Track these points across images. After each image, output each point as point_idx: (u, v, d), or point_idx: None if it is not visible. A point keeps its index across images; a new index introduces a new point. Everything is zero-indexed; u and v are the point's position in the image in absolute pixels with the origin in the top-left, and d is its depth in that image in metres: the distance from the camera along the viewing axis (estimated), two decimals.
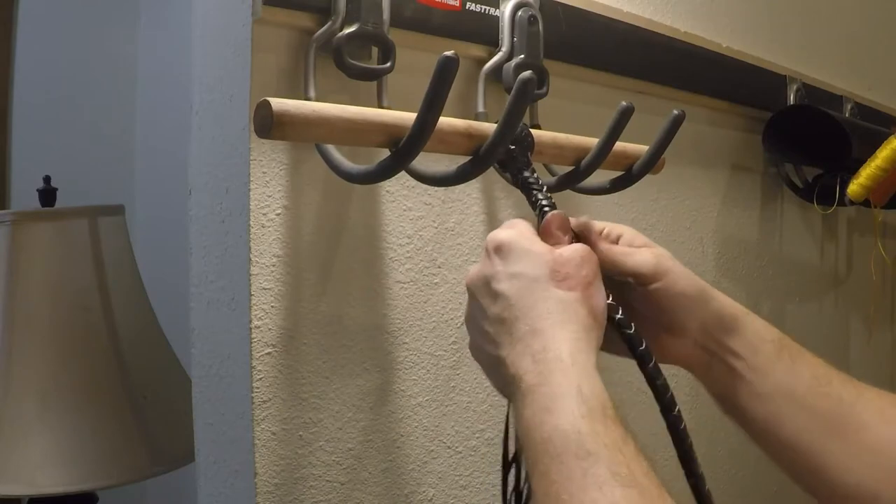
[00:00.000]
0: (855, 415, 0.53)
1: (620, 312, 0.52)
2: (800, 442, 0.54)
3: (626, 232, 0.58)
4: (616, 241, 0.57)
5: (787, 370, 0.55)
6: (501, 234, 0.52)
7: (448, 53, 0.48)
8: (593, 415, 0.43)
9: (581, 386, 0.44)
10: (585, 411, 0.43)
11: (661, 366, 0.54)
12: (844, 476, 0.52)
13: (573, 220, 0.56)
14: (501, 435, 0.54)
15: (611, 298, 0.52)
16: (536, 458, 0.43)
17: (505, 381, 0.49)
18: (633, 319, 0.54)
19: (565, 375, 0.45)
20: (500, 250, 0.51)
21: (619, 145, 0.68)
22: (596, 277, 0.50)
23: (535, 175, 0.59)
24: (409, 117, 0.54)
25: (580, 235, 0.55)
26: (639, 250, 0.56)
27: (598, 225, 0.57)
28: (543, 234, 0.54)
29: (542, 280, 0.49)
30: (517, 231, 0.52)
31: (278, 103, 0.50)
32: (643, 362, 0.52)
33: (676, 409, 0.51)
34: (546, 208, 0.56)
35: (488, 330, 0.50)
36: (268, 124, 0.50)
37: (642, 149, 0.72)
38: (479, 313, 0.51)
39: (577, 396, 0.44)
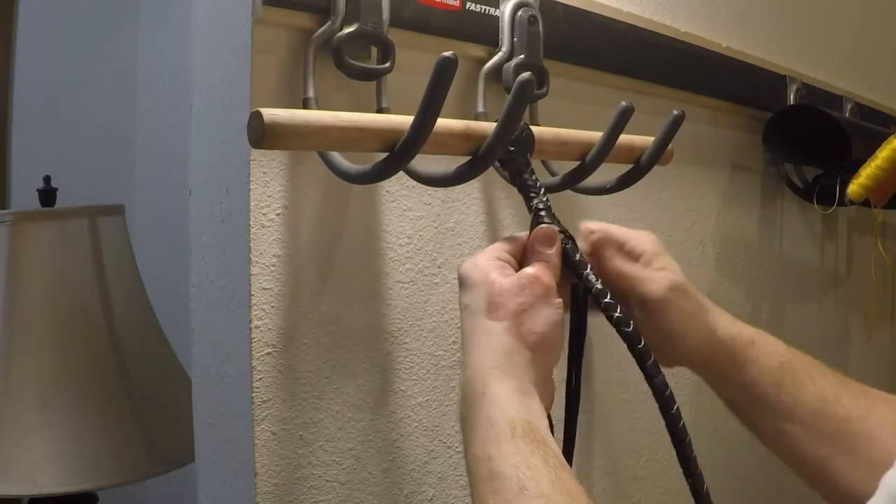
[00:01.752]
0: (864, 430, 0.54)
1: (619, 311, 0.53)
2: (807, 457, 0.55)
3: (648, 249, 0.59)
4: (637, 258, 0.59)
5: (787, 399, 0.56)
6: (463, 265, 0.54)
7: (446, 54, 0.48)
8: (501, 438, 0.46)
9: (490, 415, 0.47)
10: (493, 436, 0.46)
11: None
12: (854, 487, 0.52)
13: (592, 226, 0.59)
14: None
15: (609, 297, 0.53)
16: (470, 483, 0.47)
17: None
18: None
19: (478, 408, 0.48)
20: (460, 282, 0.54)
21: (625, 137, 0.68)
22: (538, 299, 0.51)
23: (534, 177, 0.59)
24: (404, 121, 0.54)
25: (596, 245, 0.56)
26: (653, 277, 0.58)
27: (619, 236, 0.59)
28: (528, 249, 0.55)
29: (479, 312, 0.51)
30: (473, 261, 0.54)
31: (270, 114, 0.49)
32: (642, 360, 0.52)
33: (675, 408, 0.52)
34: (542, 213, 0.56)
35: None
36: (259, 135, 0.49)
37: (648, 140, 0.72)
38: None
39: (486, 425, 0.47)
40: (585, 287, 0.54)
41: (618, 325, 0.52)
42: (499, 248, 0.55)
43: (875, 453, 0.52)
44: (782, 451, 0.57)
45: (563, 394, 0.62)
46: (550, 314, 0.51)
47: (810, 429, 0.55)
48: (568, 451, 0.62)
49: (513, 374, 0.49)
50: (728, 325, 0.59)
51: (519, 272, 0.52)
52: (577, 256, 0.55)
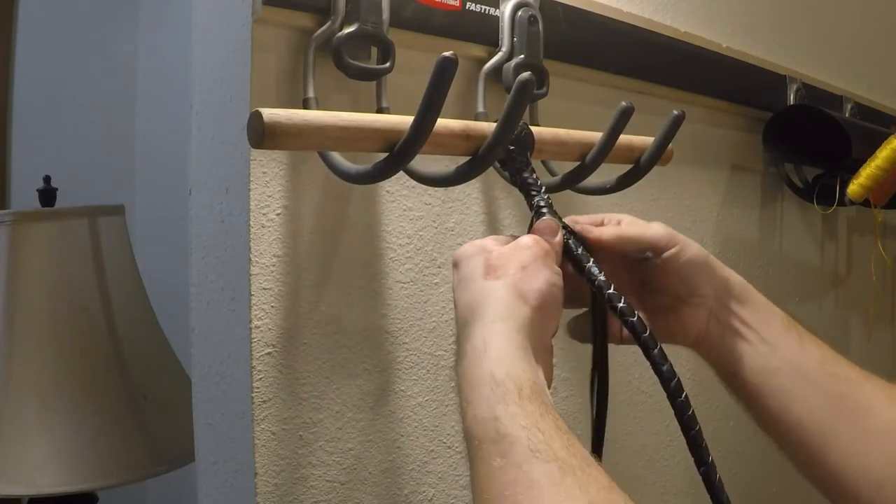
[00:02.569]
0: (864, 397, 0.53)
1: (623, 301, 0.52)
2: (808, 422, 0.54)
3: (625, 217, 0.59)
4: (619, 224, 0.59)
5: (796, 345, 0.56)
6: (457, 251, 0.53)
7: (446, 54, 0.48)
8: (508, 397, 0.43)
9: (493, 372, 0.44)
10: (499, 396, 0.43)
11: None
12: (849, 461, 0.52)
13: (572, 220, 0.58)
14: None
15: (612, 288, 0.53)
16: (468, 450, 0.44)
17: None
18: (652, 298, 0.57)
19: (479, 364, 0.45)
20: (454, 264, 0.53)
21: (625, 138, 0.68)
22: (534, 260, 0.50)
23: (535, 176, 0.59)
24: (404, 122, 0.54)
25: (581, 234, 0.56)
26: (651, 224, 0.58)
27: (598, 217, 0.59)
28: None
29: (477, 277, 0.50)
30: (470, 243, 0.53)
31: (269, 114, 0.49)
32: (647, 349, 0.51)
33: (683, 395, 0.51)
34: (543, 210, 0.56)
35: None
36: (259, 135, 0.50)
37: (648, 140, 0.72)
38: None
39: (489, 383, 0.44)
40: (589, 280, 0.54)
41: (622, 315, 0.52)
42: (494, 236, 0.55)
43: (872, 421, 0.52)
44: (784, 417, 0.55)
45: (589, 398, 0.61)
46: (550, 275, 0.50)
47: (817, 386, 0.54)
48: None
49: (516, 329, 0.47)
50: (729, 269, 0.60)
51: (516, 239, 0.52)
52: (580, 250, 0.55)
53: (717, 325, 0.58)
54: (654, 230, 0.57)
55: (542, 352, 0.49)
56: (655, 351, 0.51)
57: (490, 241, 0.53)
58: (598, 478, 0.40)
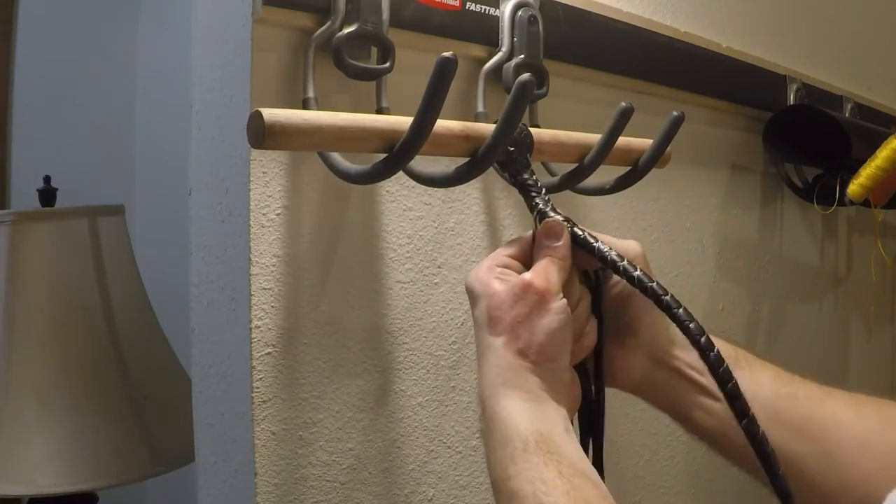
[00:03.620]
0: (827, 413, 0.52)
1: (639, 270, 0.52)
2: (777, 451, 0.50)
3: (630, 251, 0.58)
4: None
5: (746, 378, 0.53)
6: (468, 277, 0.54)
7: (446, 54, 0.48)
8: (516, 455, 0.47)
9: (504, 434, 0.48)
10: (509, 455, 0.47)
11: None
12: (826, 478, 0.51)
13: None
14: None
15: (625, 261, 0.53)
16: (495, 499, 0.48)
17: None
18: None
19: (492, 427, 0.49)
20: (468, 295, 0.54)
21: (624, 140, 0.68)
22: (532, 310, 0.50)
23: (534, 177, 0.59)
24: (403, 122, 0.54)
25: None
26: (626, 240, 0.57)
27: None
28: (536, 246, 0.55)
29: (483, 326, 0.52)
30: (475, 273, 0.54)
31: (269, 114, 0.50)
32: (671, 309, 0.50)
33: (715, 349, 0.49)
34: (542, 211, 0.56)
35: None
36: (260, 135, 0.50)
37: (646, 143, 0.72)
38: None
39: (501, 444, 0.48)
40: (600, 258, 0.53)
41: (640, 282, 0.51)
42: (500, 254, 0.54)
43: (840, 435, 0.51)
44: (747, 451, 0.51)
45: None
46: (547, 323, 0.50)
47: (774, 412, 0.52)
48: (597, 463, 0.58)
49: (519, 385, 0.50)
50: None
51: (513, 281, 0.52)
52: (584, 234, 0.54)
53: (658, 371, 0.57)
54: (629, 244, 0.56)
55: (557, 386, 0.51)
56: (681, 310, 0.50)
57: (494, 279, 0.52)
58: None
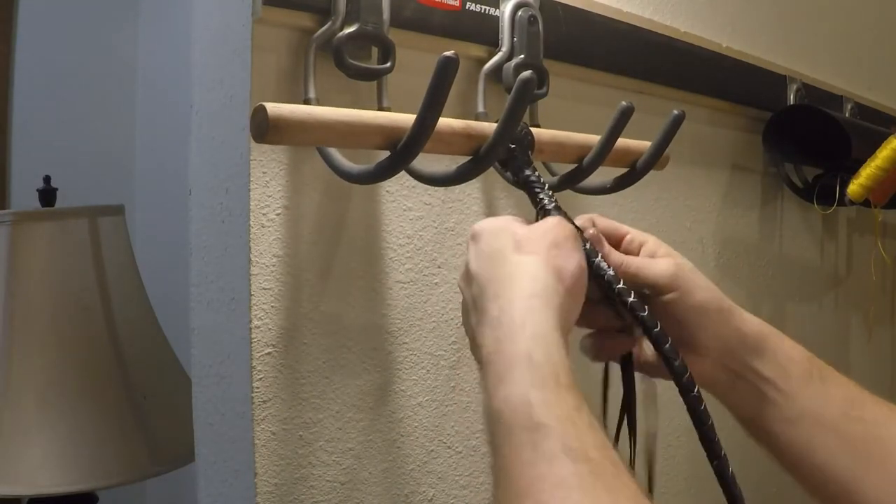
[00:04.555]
0: (890, 438, 0.50)
1: (633, 296, 0.51)
2: (832, 469, 0.51)
3: (650, 241, 0.56)
4: (637, 251, 0.55)
5: (817, 394, 0.52)
6: (478, 223, 0.52)
7: (448, 53, 0.48)
8: (545, 384, 0.40)
9: (531, 352, 0.42)
10: (537, 380, 0.40)
11: None
12: (885, 501, 0.49)
13: (591, 220, 0.55)
14: None
15: (622, 283, 0.51)
16: (491, 430, 0.41)
17: (476, 355, 0.47)
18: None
19: (516, 342, 0.43)
20: (474, 236, 0.51)
21: (622, 142, 0.68)
22: (565, 242, 0.49)
23: (537, 174, 0.59)
24: (406, 119, 0.54)
25: (594, 239, 0.54)
26: (657, 261, 0.54)
27: (621, 230, 0.56)
28: None
29: (506, 250, 0.48)
30: (493, 218, 0.52)
31: (273, 108, 0.50)
32: (658, 343, 0.51)
33: (696, 390, 0.50)
34: (548, 207, 0.56)
35: (471, 316, 0.49)
36: (264, 129, 0.50)
37: (645, 145, 0.72)
38: (464, 305, 0.52)
39: (527, 364, 0.41)
40: (597, 275, 0.52)
41: (633, 310, 0.51)
42: (511, 216, 0.53)
43: None
44: (807, 463, 0.52)
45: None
46: (578, 258, 0.49)
47: (839, 434, 0.51)
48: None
49: (551, 308, 0.44)
50: (748, 316, 0.55)
51: (540, 221, 0.51)
52: (587, 245, 0.53)
53: (725, 375, 0.54)
54: (657, 269, 0.53)
55: (567, 339, 0.46)
56: (667, 346, 0.50)
57: (511, 220, 0.51)
58: (629, 485, 0.38)
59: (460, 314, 0.77)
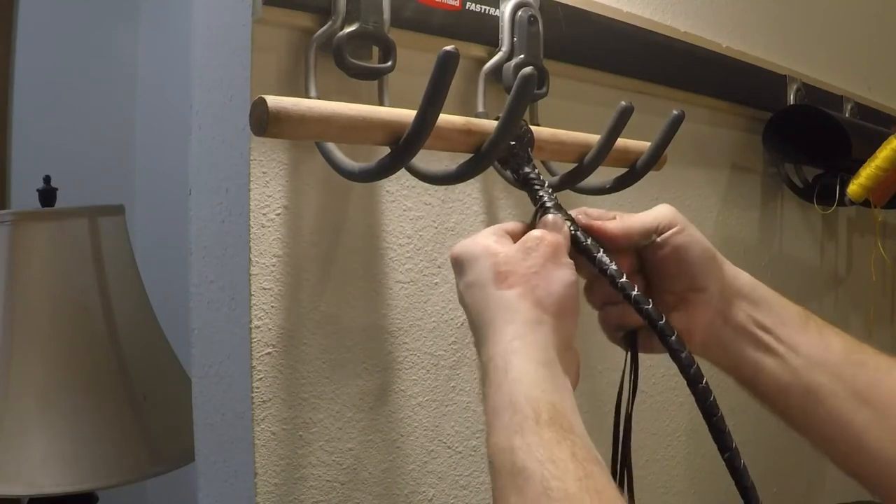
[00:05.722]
0: (892, 384, 0.51)
1: (637, 290, 0.51)
2: (839, 417, 0.50)
3: (617, 213, 0.57)
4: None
5: (817, 341, 0.52)
6: (455, 247, 0.51)
7: (448, 48, 0.48)
8: (525, 426, 0.42)
9: (513, 397, 0.43)
10: (516, 424, 0.42)
11: None
12: (888, 450, 0.49)
13: (583, 212, 0.55)
14: None
15: (625, 277, 0.51)
16: (490, 473, 0.43)
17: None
18: (656, 291, 0.54)
19: (500, 388, 0.44)
20: (455, 264, 0.51)
21: (622, 141, 0.68)
22: (545, 262, 0.49)
23: (536, 171, 0.59)
24: (407, 114, 0.54)
25: (587, 227, 0.54)
26: (654, 208, 0.55)
27: (605, 213, 0.56)
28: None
29: (488, 284, 0.48)
30: (469, 240, 0.51)
31: (274, 100, 0.50)
32: (664, 336, 0.50)
33: (704, 381, 0.49)
34: (548, 205, 0.55)
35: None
36: (263, 122, 0.49)
37: (644, 145, 0.72)
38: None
39: (509, 410, 0.43)
40: (601, 270, 0.52)
41: (636, 303, 0.50)
42: (493, 228, 0.53)
43: None
44: (813, 414, 0.51)
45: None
46: (564, 274, 0.48)
47: (844, 379, 0.51)
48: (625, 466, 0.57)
49: (535, 344, 0.46)
50: (741, 271, 0.56)
51: (521, 239, 0.50)
52: (588, 241, 0.53)
53: (725, 328, 0.54)
54: (656, 211, 0.54)
55: (566, 356, 0.47)
56: (673, 338, 0.50)
57: (493, 242, 0.50)
58: None
59: (461, 314, 0.77)
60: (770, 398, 0.54)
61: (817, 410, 0.52)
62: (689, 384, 0.50)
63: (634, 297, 0.51)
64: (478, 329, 0.49)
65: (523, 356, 0.45)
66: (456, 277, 0.51)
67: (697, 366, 0.50)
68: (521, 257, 0.49)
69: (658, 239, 0.54)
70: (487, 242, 0.50)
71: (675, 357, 0.50)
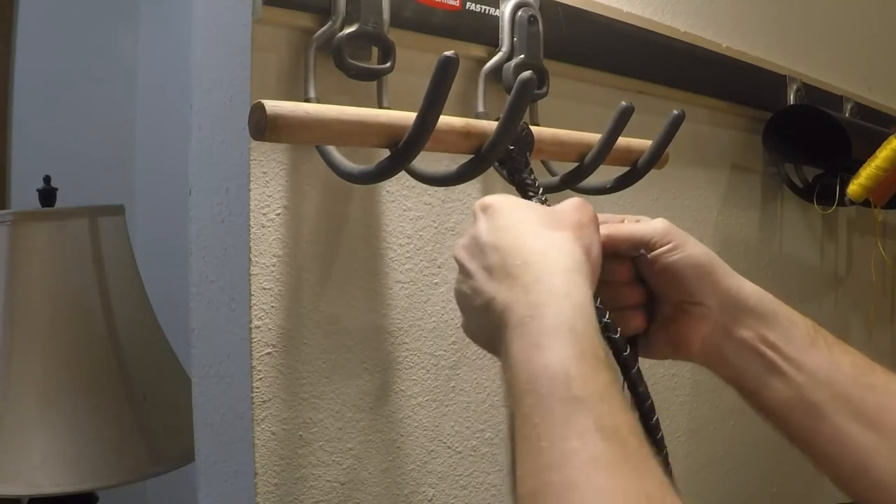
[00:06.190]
0: None
1: (608, 316, 0.51)
2: (843, 438, 0.49)
3: (628, 216, 0.57)
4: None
5: (824, 359, 0.51)
6: (489, 197, 0.50)
7: (448, 53, 0.48)
8: (584, 357, 0.39)
9: (574, 324, 0.41)
10: (577, 352, 0.39)
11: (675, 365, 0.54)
12: (894, 475, 0.48)
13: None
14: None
15: (598, 302, 0.51)
16: (520, 397, 0.39)
17: (493, 324, 0.44)
18: (657, 307, 0.54)
19: (558, 310, 0.41)
20: (487, 209, 0.49)
21: (623, 140, 0.68)
22: (591, 222, 0.49)
23: (533, 177, 0.60)
24: (406, 117, 0.54)
25: None
26: (649, 220, 0.54)
27: (617, 217, 0.56)
28: None
29: (532, 223, 0.47)
30: (503, 196, 0.50)
31: (272, 105, 0.50)
32: (626, 368, 0.52)
33: (654, 419, 0.51)
34: None
35: (476, 285, 0.47)
36: (262, 127, 0.50)
37: (645, 144, 0.72)
38: (467, 275, 0.48)
39: (569, 335, 0.40)
40: None
41: (605, 330, 0.51)
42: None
43: None
44: (817, 434, 0.50)
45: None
46: (599, 240, 0.49)
47: (850, 401, 0.49)
48: None
49: (588, 284, 0.44)
50: (745, 280, 0.54)
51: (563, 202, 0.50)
52: None
53: (727, 342, 0.53)
54: (649, 226, 0.53)
55: None
56: (633, 371, 0.52)
57: (523, 200, 0.51)
58: (655, 472, 0.37)
59: (460, 314, 0.77)
60: (772, 413, 0.53)
61: (821, 429, 0.50)
62: (640, 418, 0.51)
63: (604, 324, 0.51)
64: (510, 258, 0.45)
65: (583, 290, 0.43)
66: (480, 222, 0.49)
67: (652, 402, 0.51)
68: (569, 213, 0.49)
69: (648, 256, 0.53)
70: (519, 199, 0.50)
71: (633, 390, 0.51)
